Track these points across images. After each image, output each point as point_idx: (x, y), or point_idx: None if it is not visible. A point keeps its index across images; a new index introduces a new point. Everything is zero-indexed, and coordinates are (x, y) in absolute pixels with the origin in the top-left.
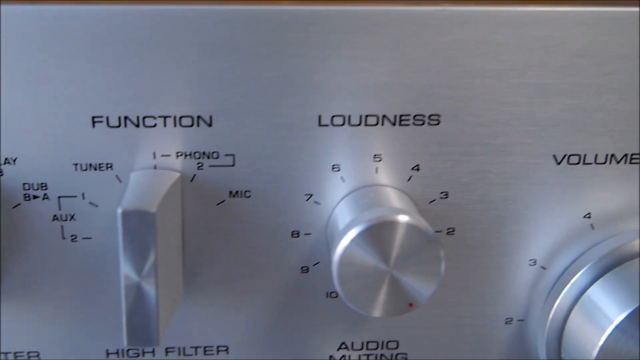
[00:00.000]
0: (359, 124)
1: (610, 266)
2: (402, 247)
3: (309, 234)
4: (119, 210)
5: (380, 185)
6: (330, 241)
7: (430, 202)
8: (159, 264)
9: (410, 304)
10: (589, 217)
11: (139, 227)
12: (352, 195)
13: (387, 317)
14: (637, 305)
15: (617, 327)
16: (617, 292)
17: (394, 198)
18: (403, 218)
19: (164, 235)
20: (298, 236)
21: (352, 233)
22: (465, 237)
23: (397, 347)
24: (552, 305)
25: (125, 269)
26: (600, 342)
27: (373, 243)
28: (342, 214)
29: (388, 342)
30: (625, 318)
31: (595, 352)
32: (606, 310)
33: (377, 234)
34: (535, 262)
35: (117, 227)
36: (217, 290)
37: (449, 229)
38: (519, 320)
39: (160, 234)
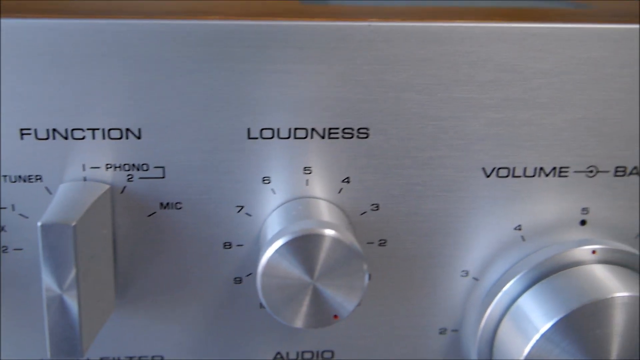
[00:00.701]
0: (288, 137)
1: (540, 276)
2: (327, 260)
3: (241, 245)
4: (39, 224)
5: (311, 197)
6: (261, 252)
7: (362, 214)
8: (81, 277)
9: (335, 316)
10: (520, 229)
11: (59, 240)
12: (283, 207)
13: (309, 328)
14: (564, 314)
15: (543, 335)
16: (546, 302)
17: (323, 211)
18: (328, 231)
19: (88, 247)
20: (230, 247)
21: (277, 244)
22: (397, 249)
23: (332, 357)
24: (484, 315)
25: (47, 282)
26: (526, 351)
27: (298, 255)
28: (272, 225)
29: (323, 352)
30: (552, 327)
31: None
32: (534, 319)
33: (301, 246)
34: (467, 273)
35: (38, 240)
36: (151, 301)
37: (380, 240)
38: (453, 330)
39: (84, 247)
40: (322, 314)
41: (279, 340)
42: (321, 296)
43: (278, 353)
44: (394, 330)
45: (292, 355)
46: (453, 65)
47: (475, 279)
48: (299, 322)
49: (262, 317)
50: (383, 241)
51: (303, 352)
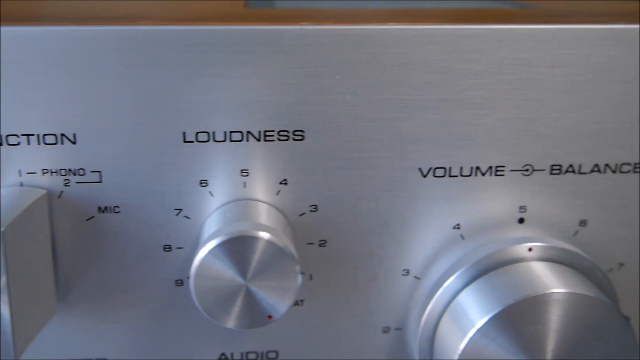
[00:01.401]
0: (224, 140)
1: (479, 274)
2: (260, 261)
3: (181, 248)
4: None
5: (249, 199)
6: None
7: (301, 215)
8: (12, 282)
9: (269, 316)
10: (459, 228)
11: None
12: (220, 210)
13: (242, 328)
14: (499, 310)
15: (478, 330)
16: (483, 298)
17: (260, 213)
18: (261, 233)
19: (21, 252)
20: (170, 250)
21: (210, 245)
22: (337, 249)
23: (276, 357)
24: (424, 313)
25: None
26: (462, 345)
27: (231, 256)
28: (209, 227)
29: (268, 352)
30: (487, 322)
31: (456, 355)
32: (471, 315)
33: (235, 247)
34: (408, 272)
35: None
36: (93, 304)
37: (320, 241)
38: (396, 329)
39: (16, 252)
40: (255, 314)
41: (223, 341)
42: (254, 297)
43: (222, 354)
44: (337, 330)
45: (237, 356)
46: (385, 67)
47: (417, 277)
48: (231, 323)
49: (205, 319)
50: (323, 242)
51: (247, 353)
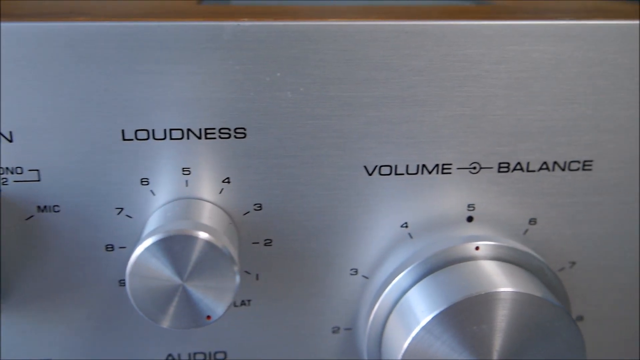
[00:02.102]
0: (164, 138)
1: (426, 272)
2: (198, 261)
3: (123, 247)
4: None
5: (191, 198)
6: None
7: (245, 214)
8: None
9: (208, 317)
10: (406, 227)
11: None
12: (162, 209)
13: (178, 328)
14: (445, 307)
15: (423, 328)
16: (430, 296)
17: (201, 211)
18: (199, 233)
19: None
20: (113, 250)
21: (147, 243)
22: (283, 248)
23: (225, 358)
24: (372, 310)
25: None
26: (406, 344)
27: (168, 255)
28: (150, 227)
29: (216, 352)
30: (432, 319)
31: (401, 353)
32: (417, 313)
33: (172, 246)
34: (356, 271)
35: None
36: (37, 305)
37: (266, 240)
38: (346, 329)
39: None
40: (193, 314)
41: (170, 341)
42: (191, 297)
43: (169, 355)
44: (286, 330)
45: (184, 357)
46: (327, 64)
47: (365, 277)
48: (166, 323)
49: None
50: (269, 241)
51: (195, 354)
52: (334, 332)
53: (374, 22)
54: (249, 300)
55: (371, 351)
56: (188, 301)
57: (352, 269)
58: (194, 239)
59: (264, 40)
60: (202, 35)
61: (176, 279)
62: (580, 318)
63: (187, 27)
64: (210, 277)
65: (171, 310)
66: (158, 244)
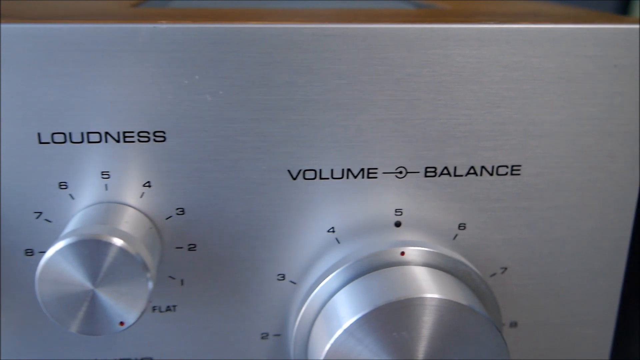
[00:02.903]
0: (81, 141)
1: (352, 277)
2: (110, 267)
3: (43, 252)
4: None
5: (111, 202)
6: None
7: (167, 219)
8: None
9: (121, 323)
10: (333, 232)
11: None
12: (81, 213)
13: (89, 334)
14: (367, 311)
15: (345, 331)
16: (354, 300)
17: (120, 216)
18: (111, 238)
19: None
20: (32, 254)
21: (58, 246)
22: (207, 253)
23: None
24: (298, 315)
25: None
26: (328, 346)
27: (79, 259)
28: (67, 231)
29: (142, 358)
30: (355, 323)
31: (322, 355)
32: (340, 316)
33: (84, 250)
34: (284, 276)
35: None
36: None
37: (190, 245)
38: (275, 335)
39: None
40: (104, 320)
41: (96, 347)
42: (101, 303)
43: None
44: (213, 336)
45: None
46: (246, 67)
47: (293, 282)
48: (75, 327)
49: None
50: (192, 245)
51: None
52: (262, 338)
53: (293, 25)
54: (174, 306)
55: (298, 357)
56: (98, 307)
57: (279, 275)
58: (106, 244)
59: (182, 42)
60: (117, 37)
61: (87, 284)
62: (514, 324)
63: (103, 29)
64: (123, 284)
65: (81, 315)
66: (69, 247)
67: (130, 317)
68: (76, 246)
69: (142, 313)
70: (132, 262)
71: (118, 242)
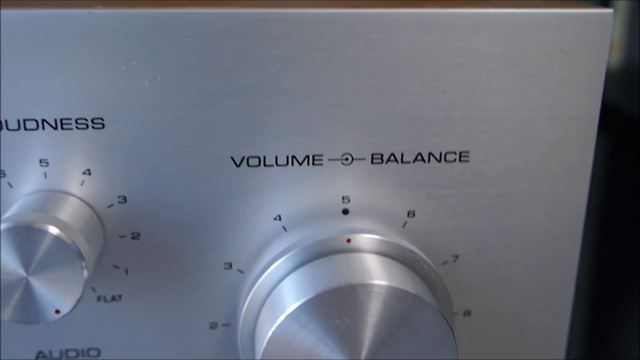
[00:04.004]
0: (18, 129)
1: (298, 264)
2: (45, 255)
3: None
4: None
5: (51, 190)
6: None
7: (109, 207)
8: None
9: (57, 311)
10: (280, 220)
11: None
12: (20, 201)
13: (23, 323)
14: (311, 296)
15: (289, 316)
16: (298, 286)
17: (59, 204)
18: (45, 226)
19: None
20: None
21: None
22: (152, 242)
23: (98, 355)
24: (245, 303)
25: None
26: (271, 331)
27: (13, 246)
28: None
29: (89, 349)
30: (298, 308)
31: (265, 341)
32: (285, 302)
33: (17, 237)
34: (230, 265)
35: None
36: None
37: (133, 233)
38: (224, 324)
39: None
40: (39, 308)
41: (40, 338)
42: (35, 291)
43: (40, 352)
44: (160, 326)
45: (56, 354)
46: (184, 53)
47: (240, 271)
48: (7, 315)
49: None
50: (136, 234)
51: (67, 351)
52: (211, 328)
53: (231, 10)
54: (119, 296)
55: (245, 347)
56: (32, 295)
57: (225, 263)
58: (40, 231)
59: (117, 28)
60: (51, 23)
61: (20, 272)
62: (468, 313)
63: (36, 15)
64: (57, 272)
65: (14, 303)
66: (1, 234)
67: (65, 306)
68: (9, 233)
69: (78, 301)
70: (67, 251)
71: (53, 230)
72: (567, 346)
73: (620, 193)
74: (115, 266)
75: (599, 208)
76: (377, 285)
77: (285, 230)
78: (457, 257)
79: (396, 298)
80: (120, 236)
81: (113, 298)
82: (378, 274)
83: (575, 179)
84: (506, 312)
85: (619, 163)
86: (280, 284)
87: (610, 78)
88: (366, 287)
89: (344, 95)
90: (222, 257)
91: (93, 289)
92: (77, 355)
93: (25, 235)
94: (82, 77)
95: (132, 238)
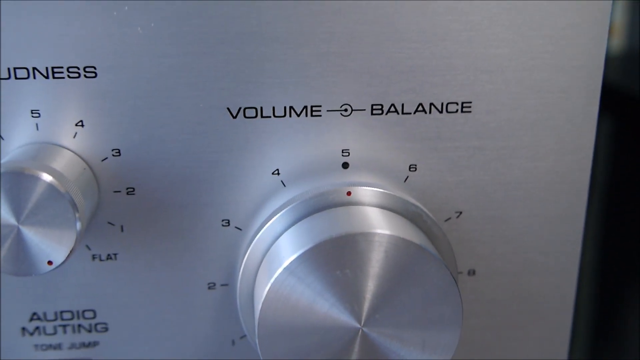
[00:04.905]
0: (8, 78)
1: (297, 218)
2: (37, 203)
3: None
4: None
5: (43, 142)
6: None
7: (103, 160)
8: None
9: (49, 262)
10: (278, 174)
11: None
12: (12, 154)
13: (14, 274)
14: (309, 246)
15: (286, 269)
16: (296, 239)
17: (52, 156)
18: (39, 173)
19: None
20: None
21: None
22: (147, 198)
23: (94, 317)
24: (243, 261)
25: None
26: (267, 287)
27: (4, 194)
28: None
29: (84, 311)
30: (295, 260)
31: (262, 298)
32: (282, 256)
33: (9, 184)
34: (228, 222)
35: None
36: None
37: (128, 188)
38: (222, 284)
39: None
40: (31, 258)
41: (34, 299)
42: (27, 240)
43: (34, 313)
44: (157, 286)
45: (50, 316)
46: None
47: (238, 228)
48: None
49: (9, 277)
50: (131, 189)
51: (62, 312)
52: (209, 288)
53: None
54: (115, 254)
55: (244, 307)
56: (23, 244)
57: (223, 220)
58: (33, 178)
59: None
60: None
61: (11, 221)
62: (473, 272)
63: None
64: (50, 222)
65: (4, 253)
66: None
67: (58, 256)
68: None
69: (71, 253)
70: (61, 200)
71: (46, 177)
72: (574, 311)
73: (624, 178)
74: (110, 223)
75: (603, 192)
76: (379, 234)
77: (284, 185)
78: (460, 213)
79: (398, 248)
80: (115, 191)
81: (108, 257)
82: (380, 224)
83: (580, 130)
84: (511, 271)
85: (622, 145)
86: (278, 240)
87: (613, 61)
88: (367, 237)
89: (342, 44)
90: (220, 213)
91: (88, 247)
92: (72, 317)
93: (16, 182)
94: (74, 23)
95: (127, 193)
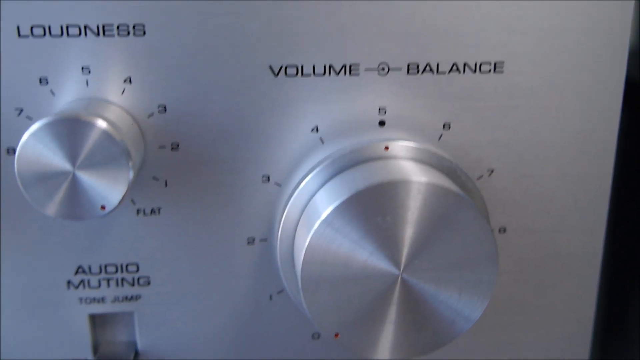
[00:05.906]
0: (61, 35)
1: (335, 173)
2: (92, 150)
3: None
4: None
5: (92, 98)
6: None
7: (149, 117)
8: None
9: (102, 207)
10: (317, 131)
11: None
12: (63, 108)
13: (69, 218)
14: (346, 197)
15: (323, 222)
16: (334, 192)
17: (102, 110)
18: (94, 120)
19: None
20: (14, 154)
21: (34, 127)
22: (191, 153)
23: (137, 271)
24: (282, 216)
25: None
26: (307, 240)
27: (58, 139)
28: None
29: (127, 265)
30: (333, 211)
31: (302, 253)
32: (320, 209)
33: (63, 131)
34: (268, 178)
35: None
36: None
37: (172, 144)
38: (261, 240)
39: None
40: (85, 203)
41: (79, 253)
42: (82, 185)
43: (79, 266)
44: (198, 241)
45: (95, 269)
46: None
47: (278, 184)
48: (52, 210)
49: (58, 230)
50: (175, 145)
51: (106, 266)
52: (248, 243)
53: None
54: (159, 209)
55: (284, 262)
56: (78, 189)
57: (263, 176)
58: (89, 124)
59: None
60: None
61: (67, 166)
62: (503, 230)
63: None
64: (104, 168)
65: (60, 197)
66: (45, 127)
67: (112, 200)
68: (55, 126)
69: (124, 197)
70: (115, 147)
71: (102, 124)
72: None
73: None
74: (154, 178)
75: (615, 187)
76: (418, 182)
77: (322, 142)
78: (492, 171)
79: (437, 196)
80: (160, 147)
81: (152, 211)
82: (417, 174)
83: (608, 90)
84: (541, 229)
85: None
86: (316, 194)
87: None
88: (406, 185)
89: (381, 5)
90: (260, 169)
91: (132, 202)
92: (116, 271)
93: (72, 129)
94: None
95: (172, 149)
